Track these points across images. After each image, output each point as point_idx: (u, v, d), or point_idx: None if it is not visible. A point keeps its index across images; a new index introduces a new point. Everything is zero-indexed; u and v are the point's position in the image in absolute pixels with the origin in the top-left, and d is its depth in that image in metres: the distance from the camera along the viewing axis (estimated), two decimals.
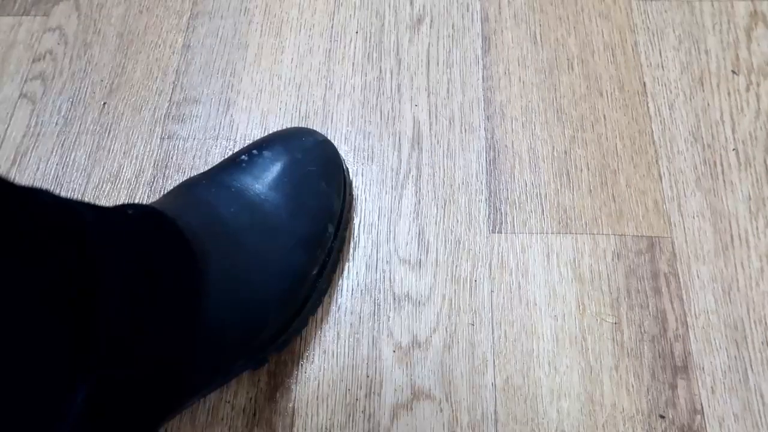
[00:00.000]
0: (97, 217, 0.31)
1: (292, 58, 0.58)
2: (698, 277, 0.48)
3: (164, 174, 0.53)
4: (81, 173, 0.54)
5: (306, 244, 0.43)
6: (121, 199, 0.52)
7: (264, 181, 0.43)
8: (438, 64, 0.57)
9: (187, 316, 0.35)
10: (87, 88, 0.57)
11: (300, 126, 0.53)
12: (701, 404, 0.44)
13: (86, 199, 0.52)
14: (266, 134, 0.48)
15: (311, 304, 0.45)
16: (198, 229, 0.38)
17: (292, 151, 0.45)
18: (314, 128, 0.51)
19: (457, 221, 0.50)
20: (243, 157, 0.45)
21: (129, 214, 0.35)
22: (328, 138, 0.49)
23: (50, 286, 0.25)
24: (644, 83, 0.55)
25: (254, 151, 0.45)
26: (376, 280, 0.48)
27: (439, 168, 0.52)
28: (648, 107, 0.54)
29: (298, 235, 0.42)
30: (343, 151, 0.53)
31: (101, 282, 0.28)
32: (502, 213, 0.50)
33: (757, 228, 0.49)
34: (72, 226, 0.28)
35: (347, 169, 0.50)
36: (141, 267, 0.32)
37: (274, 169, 0.44)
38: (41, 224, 0.26)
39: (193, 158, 0.54)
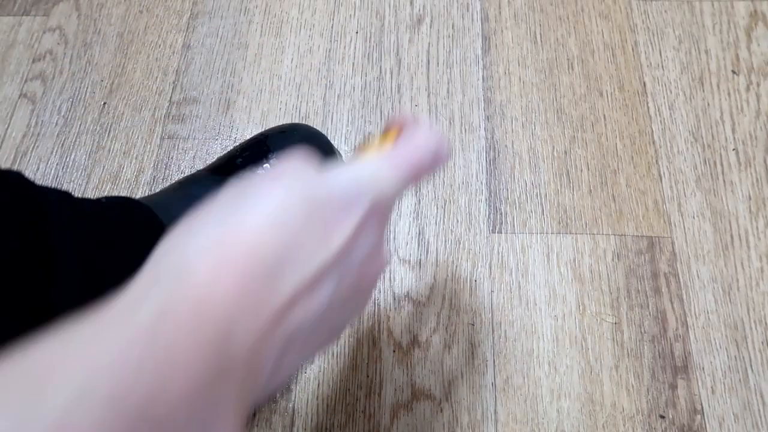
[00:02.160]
0: (60, 199, 0.32)
1: (292, 58, 0.58)
2: (698, 277, 0.47)
3: (164, 174, 0.53)
4: (81, 173, 0.54)
5: None
6: None
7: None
8: (438, 64, 0.57)
9: None
10: (87, 88, 0.57)
11: (294, 122, 0.53)
12: (701, 404, 0.44)
13: None
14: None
15: None
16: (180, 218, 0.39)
17: (284, 145, 0.45)
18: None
19: (457, 221, 0.50)
20: (236, 152, 0.45)
21: (102, 201, 0.36)
22: (327, 137, 0.49)
23: (8, 257, 0.26)
24: (644, 83, 0.55)
25: (247, 147, 0.45)
26: None
27: (439, 168, 0.52)
28: (648, 107, 0.54)
29: None
30: (344, 151, 0.53)
31: (58, 255, 0.29)
32: (502, 213, 0.50)
33: (757, 228, 0.49)
34: (33, 204, 0.29)
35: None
36: (102, 243, 0.33)
37: (266, 163, 0.44)
38: (3, 201, 0.27)
39: (193, 158, 0.54)
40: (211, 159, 0.53)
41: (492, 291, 0.48)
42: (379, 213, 0.22)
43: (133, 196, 0.52)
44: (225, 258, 0.17)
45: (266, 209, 0.19)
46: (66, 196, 0.34)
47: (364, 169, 0.22)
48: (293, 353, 0.20)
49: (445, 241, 0.50)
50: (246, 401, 0.17)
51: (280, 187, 0.20)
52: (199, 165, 0.53)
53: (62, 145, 0.55)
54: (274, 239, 0.18)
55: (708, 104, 0.54)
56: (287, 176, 0.20)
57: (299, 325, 0.19)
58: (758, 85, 0.54)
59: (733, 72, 0.55)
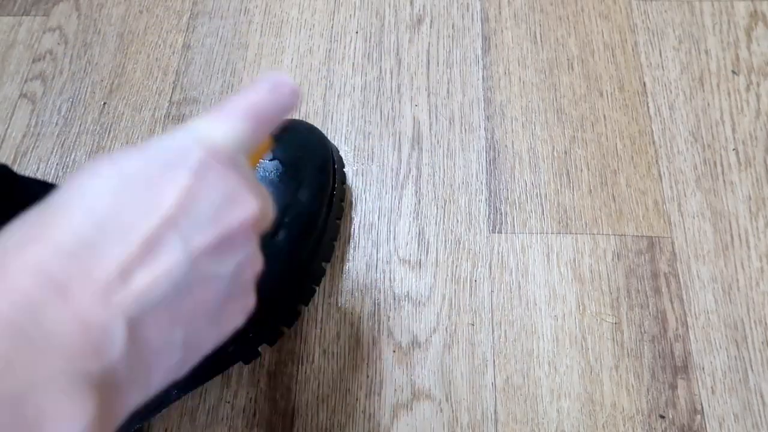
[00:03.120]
0: (39, 186, 0.32)
1: (292, 58, 0.58)
2: (698, 277, 0.47)
3: None
4: None
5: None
6: None
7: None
8: (438, 64, 0.57)
9: None
10: (87, 88, 0.57)
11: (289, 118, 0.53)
12: (701, 404, 0.44)
13: None
14: None
15: (301, 292, 0.45)
16: None
17: (277, 141, 0.46)
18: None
19: (457, 221, 0.50)
20: None
21: (49, 185, 0.36)
22: (323, 132, 0.49)
23: None
24: (644, 83, 0.55)
25: None
26: (376, 280, 0.48)
27: (439, 168, 0.52)
28: (648, 107, 0.54)
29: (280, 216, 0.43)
30: (344, 151, 0.53)
31: None
32: (502, 213, 0.50)
33: (757, 228, 0.49)
34: None
35: (340, 159, 0.49)
36: None
37: (261, 162, 0.44)
38: None
39: None
40: None
41: (492, 291, 0.48)
42: (221, 163, 0.21)
43: None
44: (26, 256, 0.18)
45: (69, 201, 0.19)
46: (3, 169, 0.33)
47: (190, 126, 0.22)
48: (169, 343, 0.19)
49: (445, 241, 0.50)
50: (98, 381, 0.17)
51: (82, 177, 0.20)
52: None
53: (62, 145, 0.55)
54: (82, 227, 0.19)
55: (708, 104, 0.54)
56: (95, 167, 0.20)
57: (152, 294, 0.19)
58: (758, 85, 0.54)
59: (733, 72, 0.55)
